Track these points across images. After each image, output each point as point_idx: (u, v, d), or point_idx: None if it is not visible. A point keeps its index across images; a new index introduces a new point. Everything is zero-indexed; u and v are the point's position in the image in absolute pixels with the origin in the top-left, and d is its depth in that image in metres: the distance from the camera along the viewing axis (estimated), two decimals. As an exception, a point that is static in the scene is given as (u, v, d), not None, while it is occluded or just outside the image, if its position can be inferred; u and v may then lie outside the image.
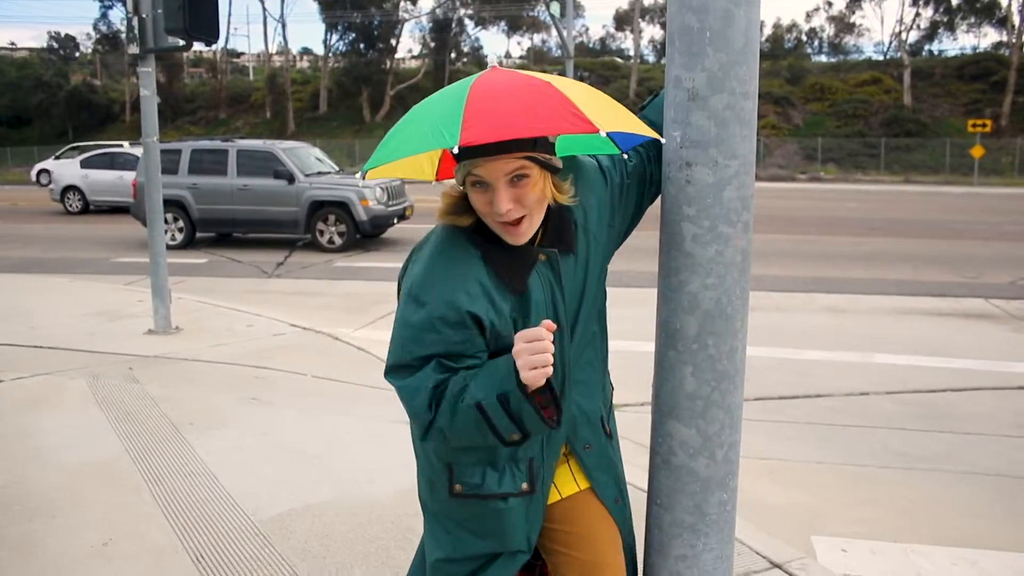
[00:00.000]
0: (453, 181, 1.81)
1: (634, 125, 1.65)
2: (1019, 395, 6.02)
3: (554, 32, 29.29)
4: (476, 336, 1.70)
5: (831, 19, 55.54)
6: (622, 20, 56.19)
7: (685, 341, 1.88)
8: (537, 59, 52.84)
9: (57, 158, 28.84)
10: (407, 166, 1.96)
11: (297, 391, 5.67)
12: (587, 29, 62.31)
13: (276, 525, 3.64)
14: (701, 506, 1.94)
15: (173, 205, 13.83)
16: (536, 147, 1.64)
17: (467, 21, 52.46)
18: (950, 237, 15.35)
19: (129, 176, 18.33)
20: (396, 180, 14.97)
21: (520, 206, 1.66)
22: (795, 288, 10.06)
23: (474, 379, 1.67)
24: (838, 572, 3.39)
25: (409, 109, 1.70)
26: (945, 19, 47.86)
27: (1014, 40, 43.35)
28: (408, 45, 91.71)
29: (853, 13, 53.25)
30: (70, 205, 21.60)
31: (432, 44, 50.07)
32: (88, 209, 21.57)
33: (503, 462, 1.82)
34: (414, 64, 53.98)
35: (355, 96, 47.87)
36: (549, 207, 1.78)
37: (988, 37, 75.64)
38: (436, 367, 1.69)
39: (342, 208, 13.63)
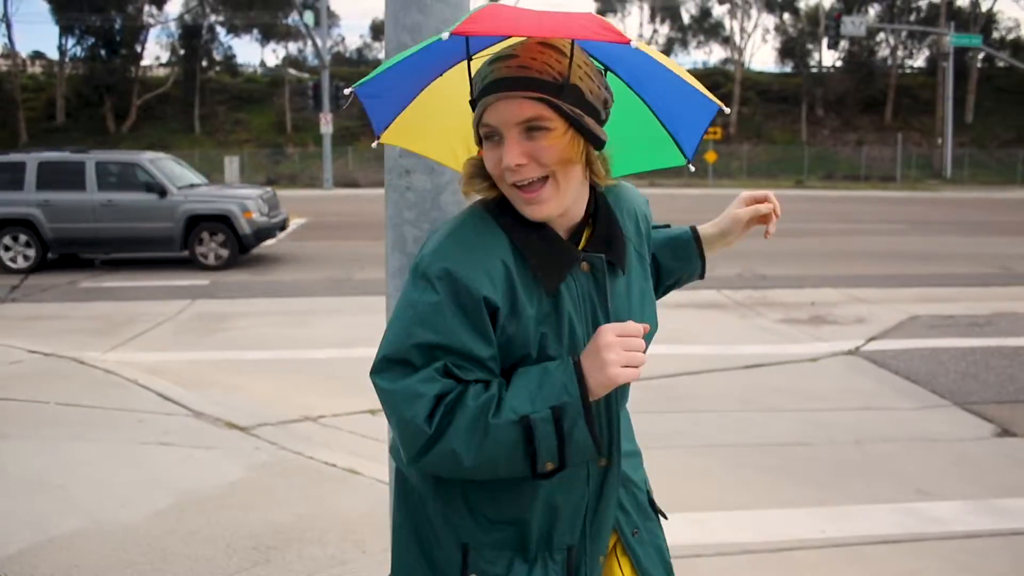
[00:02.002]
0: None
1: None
2: (744, 374, 6.74)
3: (310, 41, 28.86)
4: (489, 335, 1.34)
5: (579, 33, 58.53)
6: (378, 30, 56.19)
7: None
8: (293, 68, 51.66)
9: None
10: (439, 146, 1.66)
11: (38, 420, 5.29)
12: (343, 39, 62.04)
13: (17, 563, 3.42)
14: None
15: (19, 224, 12.42)
16: (562, 94, 1.29)
17: (219, 28, 50.46)
18: (688, 235, 16.75)
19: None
20: (269, 190, 14.36)
21: (536, 164, 1.31)
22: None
23: (512, 389, 1.32)
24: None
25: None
26: (679, 36, 52.13)
27: (736, 57, 48.01)
28: (155, 52, 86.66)
29: (599, 28, 56.48)
30: None
31: (182, 51, 47.66)
32: None
33: (535, 548, 1.43)
34: (162, 72, 51.06)
35: (97, 105, 44.60)
36: (596, 202, 1.46)
37: (715, 54, 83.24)
38: (441, 371, 1.31)
39: (223, 222, 12.53)
